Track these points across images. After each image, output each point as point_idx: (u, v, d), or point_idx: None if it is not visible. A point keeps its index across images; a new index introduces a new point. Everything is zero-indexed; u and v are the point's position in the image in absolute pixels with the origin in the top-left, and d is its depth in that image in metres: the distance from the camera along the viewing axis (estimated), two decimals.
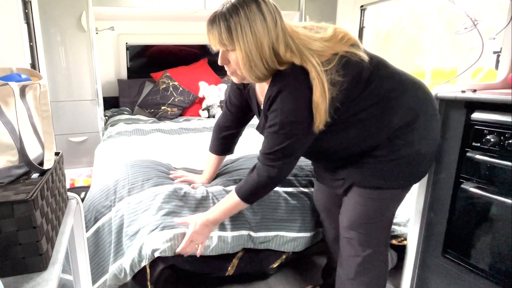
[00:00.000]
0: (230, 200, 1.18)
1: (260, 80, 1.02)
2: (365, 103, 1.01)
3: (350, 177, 1.12)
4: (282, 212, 1.42)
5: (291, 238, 1.41)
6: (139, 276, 1.26)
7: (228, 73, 1.07)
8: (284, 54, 0.96)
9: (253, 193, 1.13)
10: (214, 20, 0.96)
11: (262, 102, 1.14)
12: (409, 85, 1.05)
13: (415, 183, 1.16)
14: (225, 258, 1.36)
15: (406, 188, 1.14)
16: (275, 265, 1.44)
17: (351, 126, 1.04)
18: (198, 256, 1.25)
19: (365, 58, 1.00)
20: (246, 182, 1.13)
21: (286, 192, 1.47)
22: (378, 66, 1.03)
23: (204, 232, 1.22)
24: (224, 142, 1.45)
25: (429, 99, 1.08)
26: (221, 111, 1.48)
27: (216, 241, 1.28)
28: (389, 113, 1.02)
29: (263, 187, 1.11)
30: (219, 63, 1.04)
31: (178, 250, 1.21)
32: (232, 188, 1.28)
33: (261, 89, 1.17)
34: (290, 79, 0.97)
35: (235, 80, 1.09)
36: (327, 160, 1.20)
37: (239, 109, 1.34)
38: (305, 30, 1.02)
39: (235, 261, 1.38)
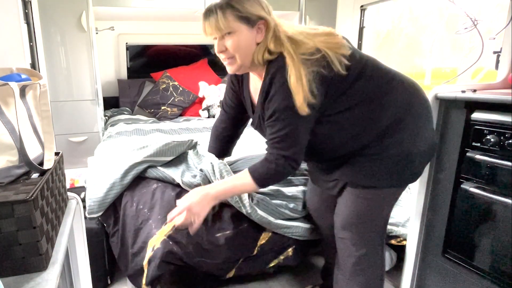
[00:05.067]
0: (241, 179, 1.11)
1: (254, 66, 1.06)
2: (352, 101, 1.03)
3: (343, 177, 1.13)
4: None
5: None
6: (136, 275, 1.26)
7: (225, 62, 1.08)
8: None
9: (268, 178, 1.09)
10: (210, 9, 1.01)
11: (256, 101, 1.15)
12: (398, 86, 1.06)
13: (409, 183, 1.14)
14: (226, 262, 1.35)
15: (399, 187, 1.12)
16: (272, 264, 1.43)
17: (341, 124, 1.05)
18: (191, 234, 1.14)
19: (343, 74, 1.00)
20: (263, 167, 1.08)
21: None
22: (366, 65, 1.04)
23: (203, 204, 1.10)
24: (221, 143, 1.45)
25: (420, 101, 1.08)
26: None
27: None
28: (377, 111, 1.04)
29: (279, 175, 1.08)
30: (216, 51, 1.06)
31: (170, 216, 1.12)
32: None
33: (255, 88, 1.18)
34: (279, 66, 0.99)
35: (230, 69, 1.10)
36: (319, 160, 1.20)
37: (234, 110, 1.35)
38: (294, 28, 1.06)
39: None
